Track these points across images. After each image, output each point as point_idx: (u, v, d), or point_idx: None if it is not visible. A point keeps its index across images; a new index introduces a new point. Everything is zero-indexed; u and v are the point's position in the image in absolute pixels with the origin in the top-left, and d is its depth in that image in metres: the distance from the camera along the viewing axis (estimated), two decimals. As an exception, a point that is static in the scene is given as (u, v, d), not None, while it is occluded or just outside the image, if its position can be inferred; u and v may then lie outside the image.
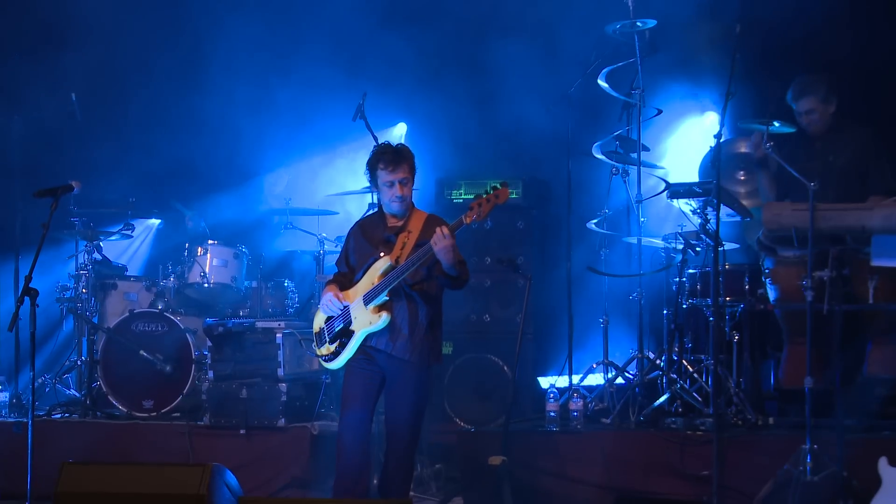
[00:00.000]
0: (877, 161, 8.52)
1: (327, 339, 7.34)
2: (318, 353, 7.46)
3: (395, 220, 7.35)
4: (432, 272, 7.13)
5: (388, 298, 7.12)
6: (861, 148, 8.55)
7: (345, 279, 7.42)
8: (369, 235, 7.39)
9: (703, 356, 8.79)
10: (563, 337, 9.22)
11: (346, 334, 7.24)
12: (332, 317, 7.34)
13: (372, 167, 7.30)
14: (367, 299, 7.14)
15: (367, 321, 7.16)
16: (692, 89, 9.78)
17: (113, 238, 10.25)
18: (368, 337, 7.19)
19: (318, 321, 7.43)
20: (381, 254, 7.21)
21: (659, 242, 9.09)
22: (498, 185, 6.98)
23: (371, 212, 7.40)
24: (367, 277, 7.21)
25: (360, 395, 7.25)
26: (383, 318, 7.11)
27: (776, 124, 8.29)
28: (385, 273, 7.11)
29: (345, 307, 7.25)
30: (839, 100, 8.63)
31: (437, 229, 6.95)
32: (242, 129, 10.92)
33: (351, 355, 7.25)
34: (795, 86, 8.64)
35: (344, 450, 7.19)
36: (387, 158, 7.24)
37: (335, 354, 7.30)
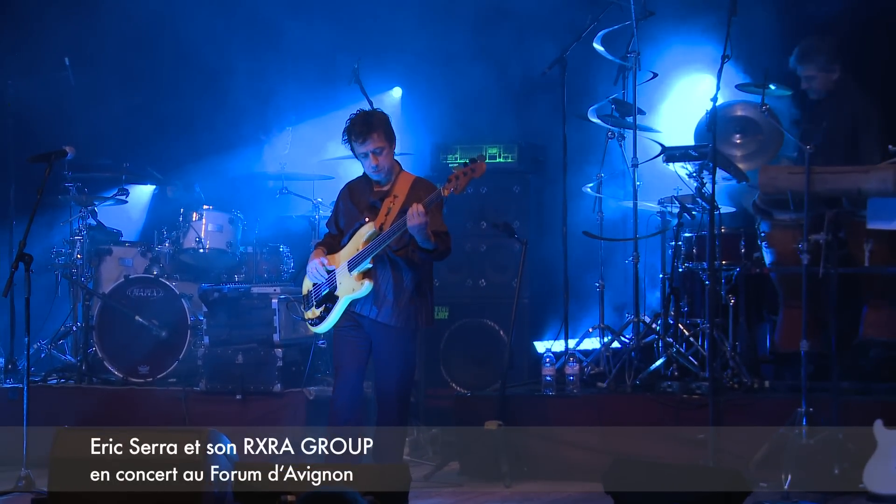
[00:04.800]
0: (866, 130, 8.51)
1: (314, 303, 7.36)
2: (305, 316, 7.48)
3: (380, 185, 7.33)
4: None
5: (371, 266, 7.11)
6: (854, 117, 8.56)
7: (334, 241, 7.42)
8: (357, 199, 7.38)
9: (699, 320, 8.79)
10: (559, 301, 9.20)
11: (330, 299, 7.25)
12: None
13: (347, 139, 7.27)
14: (352, 265, 7.14)
15: (350, 287, 7.16)
16: (688, 52, 9.73)
17: (107, 203, 10.20)
18: (353, 303, 7.20)
19: (307, 284, 7.44)
20: (367, 219, 7.20)
21: (655, 206, 9.08)
22: (475, 158, 6.96)
23: (361, 174, 7.37)
24: (352, 243, 7.21)
25: (350, 362, 7.29)
26: (366, 286, 7.11)
27: (772, 87, 8.26)
28: (369, 240, 7.10)
29: (330, 272, 7.25)
30: (842, 64, 8.61)
31: (413, 206, 6.92)
32: (237, 95, 10.87)
33: (336, 320, 7.27)
34: (798, 50, 8.65)
35: (336, 415, 7.22)
36: (356, 130, 7.19)
37: (321, 319, 7.32)
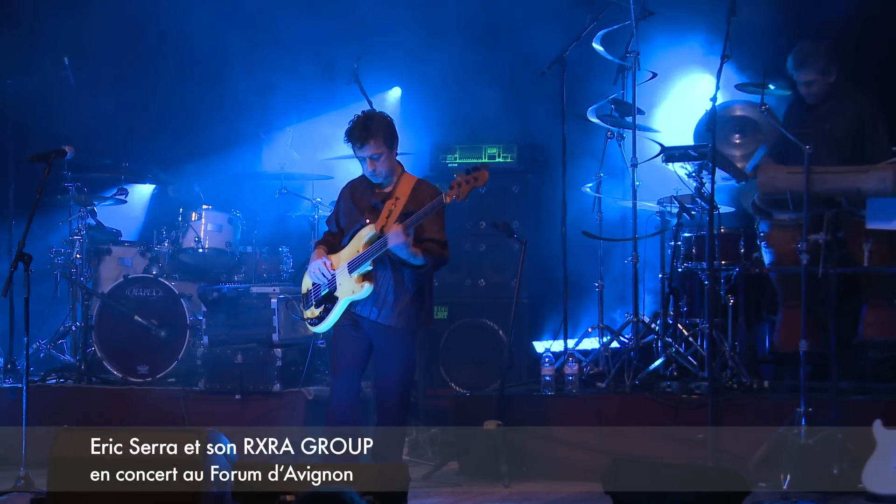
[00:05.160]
0: (873, 131, 8.52)
1: (313, 303, 7.35)
2: (304, 315, 7.47)
3: (381, 187, 7.31)
4: (419, 237, 7.09)
5: (371, 268, 7.10)
6: (858, 117, 8.55)
7: (334, 240, 7.40)
8: (358, 199, 7.36)
9: (698, 320, 8.79)
10: (559, 301, 9.20)
11: (330, 300, 7.24)
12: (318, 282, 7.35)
13: (347, 140, 7.26)
14: (352, 267, 7.12)
15: (350, 289, 7.15)
16: (687, 52, 9.74)
17: (107, 203, 10.20)
18: (353, 304, 7.18)
19: (307, 283, 7.43)
20: (367, 221, 7.18)
21: (654, 206, 9.08)
22: (479, 166, 6.94)
23: (363, 173, 7.35)
24: (352, 244, 7.19)
25: (347, 361, 7.28)
26: (366, 288, 7.09)
27: (772, 87, 8.26)
28: (369, 242, 7.08)
29: (331, 274, 7.23)
30: (840, 65, 8.62)
31: (392, 227, 6.92)
32: (237, 94, 10.87)
33: (335, 321, 7.25)
34: (795, 56, 8.63)
35: (333, 415, 7.23)
36: (355, 135, 7.17)
37: (320, 319, 7.31)
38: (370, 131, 7.14)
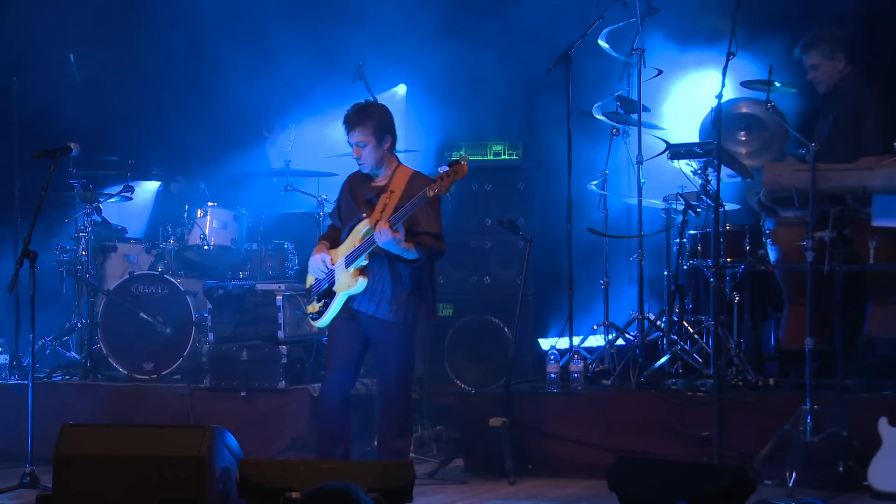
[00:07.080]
0: (867, 122, 8.50)
1: (314, 297, 7.37)
2: (307, 310, 7.49)
3: (377, 179, 7.31)
4: (413, 230, 7.09)
5: (367, 262, 7.10)
6: (854, 108, 8.56)
7: (337, 234, 7.42)
8: (356, 192, 7.39)
9: (703, 317, 8.80)
10: (564, 298, 9.20)
11: (329, 294, 7.27)
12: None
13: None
14: (348, 262, 7.15)
15: (346, 284, 7.17)
16: (693, 49, 9.73)
17: (112, 200, 10.20)
18: (351, 299, 7.20)
19: (310, 278, 7.45)
20: (364, 215, 7.19)
21: (659, 203, 9.07)
22: (458, 160, 6.96)
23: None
24: (350, 238, 7.22)
25: (340, 356, 7.32)
26: (360, 283, 7.11)
27: (777, 84, 8.25)
28: (365, 236, 7.09)
29: (330, 269, 7.25)
30: (848, 57, 8.62)
31: (378, 224, 6.92)
32: (242, 91, 10.86)
33: (334, 315, 7.27)
34: (803, 40, 8.68)
35: (324, 410, 7.25)
36: (346, 120, 7.25)
37: (320, 313, 7.33)
38: (359, 119, 7.20)
